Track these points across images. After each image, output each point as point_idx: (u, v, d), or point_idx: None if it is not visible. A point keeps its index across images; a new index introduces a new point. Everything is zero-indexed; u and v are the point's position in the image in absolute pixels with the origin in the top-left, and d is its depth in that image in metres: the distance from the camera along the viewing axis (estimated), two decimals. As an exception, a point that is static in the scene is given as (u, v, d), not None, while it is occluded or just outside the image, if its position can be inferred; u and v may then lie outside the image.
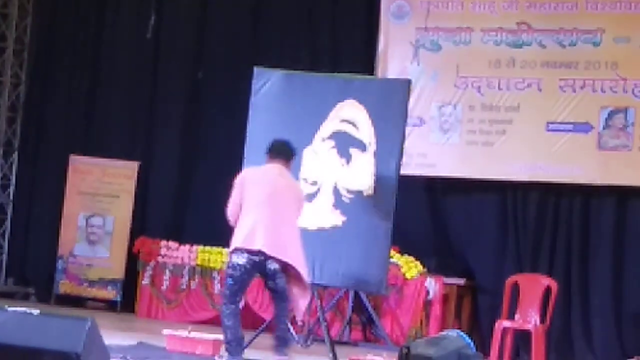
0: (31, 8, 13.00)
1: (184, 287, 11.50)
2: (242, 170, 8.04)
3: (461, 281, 10.68)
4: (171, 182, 12.49)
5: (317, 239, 8.75)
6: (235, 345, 7.69)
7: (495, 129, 10.68)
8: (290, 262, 7.65)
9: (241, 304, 7.97)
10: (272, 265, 7.62)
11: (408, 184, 9.70)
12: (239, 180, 7.75)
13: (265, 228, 7.57)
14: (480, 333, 10.42)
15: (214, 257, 11.34)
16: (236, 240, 7.65)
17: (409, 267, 10.51)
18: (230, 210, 7.71)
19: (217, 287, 11.26)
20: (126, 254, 11.96)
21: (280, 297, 7.76)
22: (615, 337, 10.16)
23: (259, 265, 7.61)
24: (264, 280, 7.80)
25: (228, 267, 7.71)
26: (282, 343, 7.79)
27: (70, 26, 13.07)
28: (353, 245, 8.68)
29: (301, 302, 7.88)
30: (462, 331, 7.32)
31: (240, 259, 7.61)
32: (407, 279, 10.48)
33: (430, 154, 10.93)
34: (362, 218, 8.71)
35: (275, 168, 7.80)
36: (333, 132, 8.91)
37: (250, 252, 7.57)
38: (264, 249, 7.55)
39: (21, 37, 12.97)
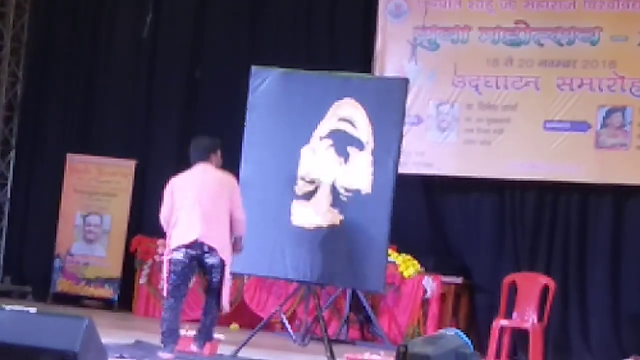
0: (28, 6, 12.99)
1: (181, 285, 11.48)
2: (170, 180, 8.29)
3: (459, 280, 10.67)
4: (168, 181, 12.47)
5: (315, 237, 8.75)
6: (168, 337, 8.03)
7: (493, 127, 10.68)
8: (218, 249, 8.00)
9: (184, 300, 8.25)
10: (210, 260, 8.01)
11: (406, 182, 9.70)
12: (168, 189, 8.22)
13: (198, 221, 7.97)
14: (478, 332, 10.42)
15: (212, 255, 11.33)
16: (174, 241, 8.07)
17: (407, 265, 10.51)
18: (163, 215, 8.19)
19: (214, 285, 11.27)
20: (123, 252, 11.96)
21: (211, 294, 8.12)
22: (612, 336, 10.16)
23: (197, 258, 8.01)
24: (202, 274, 8.20)
25: (169, 264, 8.07)
26: (201, 337, 8.14)
27: (67, 25, 13.06)
28: (351, 243, 8.67)
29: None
30: (460, 330, 7.29)
31: (179, 255, 8.03)
32: (404, 277, 10.49)
33: (428, 153, 10.94)
34: (359, 217, 8.70)
35: (198, 168, 8.23)
36: (331, 131, 8.90)
37: (187, 246, 7.99)
38: (200, 238, 7.94)
39: (18, 36, 12.96)
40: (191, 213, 8.01)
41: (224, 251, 8.05)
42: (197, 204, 8.01)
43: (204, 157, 8.21)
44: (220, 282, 8.03)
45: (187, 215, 8.02)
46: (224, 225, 8.06)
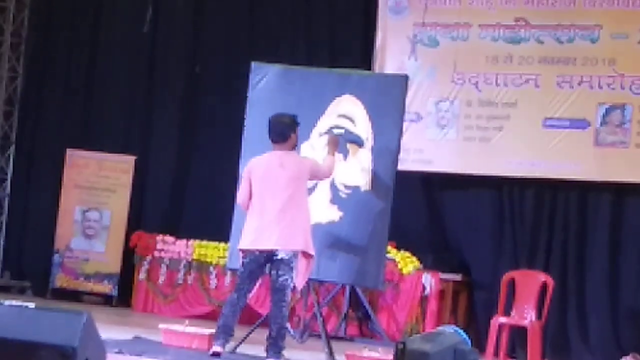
0: (28, 1, 12.97)
1: (180, 281, 11.51)
2: (249, 162, 8.22)
3: (457, 277, 10.68)
4: (168, 177, 12.50)
5: (314, 234, 8.72)
6: (219, 332, 7.88)
7: (493, 124, 10.68)
8: (301, 249, 7.90)
9: (247, 297, 8.09)
10: (281, 254, 7.82)
11: (405, 179, 9.69)
12: (245, 172, 8.13)
13: (272, 225, 7.84)
14: (477, 329, 10.42)
15: (211, 251, 11.35)
16: (244, 242, 7.94)
17: (406, 262, 10.51)
18: (241, 199, 8.12)
19: (213, 282, 11.29)
20: (122, 248, 11.96)
21: (277, 295, 7.87)
22: (611, 333, 10.16)
23: (267, 252, 7.84)
24: (269, 270, 7.93)
25: (242, 254, 7.97)
26: (273, 345, 7.88)
27: (67, 20, 13.06)
28: (350, 240, 8.67)
29: (299, 277, 8.02)
30: (458, 327, 7.31)
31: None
32: (403, 274, 10.49)
33: (427, 150, 10.93)
34: (359, 213, 8.69)
35: (276, 157, 8.04)
36: (330, 127, 8.89)
37: (260, 251, 7.87)
38: (275, 247, 7.81)
39: (18, 31, 12.94)
40: (263, 215, 7.87)
41: (306, 243, 7.91)
42: (270, 203, 7.87)
43: (282, 140, 8.07)
44: (288, 281, 7.79)
45: (260, 218, 7.87)
46: (298, 219, 7.91)
